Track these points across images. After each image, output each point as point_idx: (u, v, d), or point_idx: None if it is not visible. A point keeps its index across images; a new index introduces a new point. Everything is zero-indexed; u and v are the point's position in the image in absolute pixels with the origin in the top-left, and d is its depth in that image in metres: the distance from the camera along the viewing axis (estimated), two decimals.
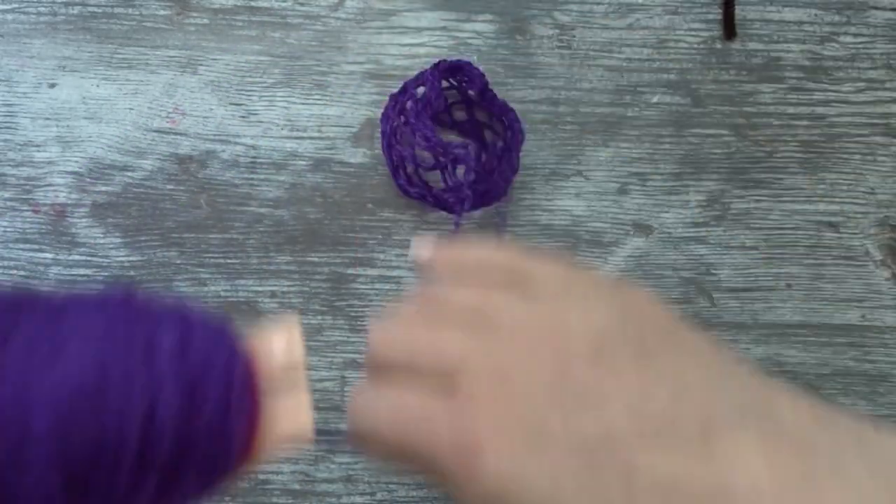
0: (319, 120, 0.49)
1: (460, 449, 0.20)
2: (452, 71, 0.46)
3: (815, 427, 0.20)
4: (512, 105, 0.47)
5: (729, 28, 0.50)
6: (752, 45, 0.50)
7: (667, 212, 0.49)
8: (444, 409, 0.21)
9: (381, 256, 0.48)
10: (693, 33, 0.50)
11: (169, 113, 0.48)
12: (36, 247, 0.47)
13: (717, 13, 0.50)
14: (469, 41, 0.50)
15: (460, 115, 0.49)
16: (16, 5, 0.49)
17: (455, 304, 0.23)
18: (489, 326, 0.22)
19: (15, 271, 0.47)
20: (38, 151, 0.48)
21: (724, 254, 0.48)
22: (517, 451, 0.20)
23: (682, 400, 0.20)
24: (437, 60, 0.47)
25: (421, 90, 0.46)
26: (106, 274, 0.47)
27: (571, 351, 0.21)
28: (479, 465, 0.20)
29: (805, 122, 0.50)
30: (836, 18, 0.51)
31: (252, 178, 0.48)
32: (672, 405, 0.20)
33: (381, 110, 0.47)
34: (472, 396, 0.21)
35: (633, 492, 0.19)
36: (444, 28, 0.50)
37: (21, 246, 0.47)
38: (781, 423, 0.20)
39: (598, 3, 0.50)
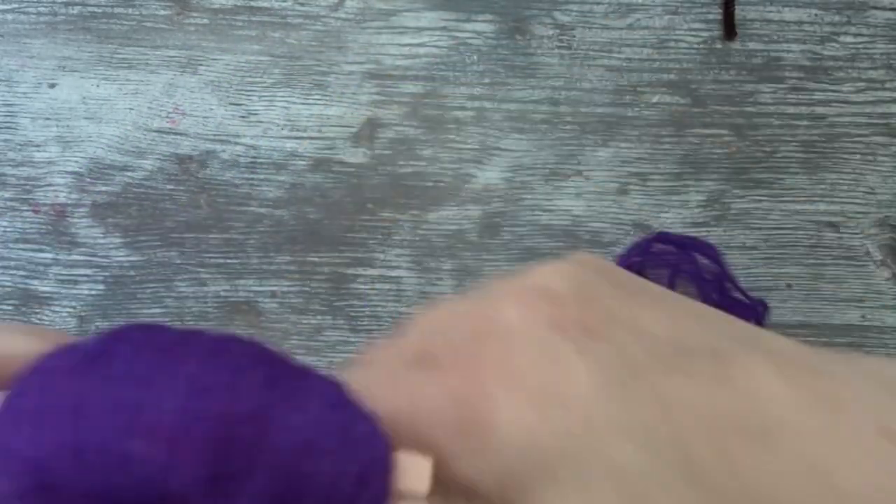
0: (319, 120, 0.49)
1: (467, 413, 0.18)
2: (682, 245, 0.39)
3: (809, 351, 0.19)
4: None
5: (729, 28, 0.50)
6: (752, 45, 0.50)
7: (667, 212, 0.49)
8: (435, 377, 0.19)
9: (381, 256, 0.48)
10: (693, 33, 0.50)
11: (169, 113, 0.48)
12: (36, 247, 0.47)
13: (717, 13, 0.50)
14: (469, 41, 0.50)
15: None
16: (16, 5, 0.49)
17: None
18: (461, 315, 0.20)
19: (15, 271, 0.47)
20: (38, 151, 0.48)
21: (724, 254, 0.48)
22: (535, 399, 0.18)
23: (682, 329, 0.20)
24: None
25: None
26: (106, 274, 0.47)
27: (560, 303, 0.20)
28: (493, 427, 0.18)
29: (805, 122, 0.50)
30: (836, 18, 0.50)
31: (252, 178, 0.48)
32: (676, 334, 0.19)
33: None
34: (465, 358, 0.19)
35: (672, 416, 0.18)
36: (444, 28, 0.50)
37: (21, 246, 0.47)
38: (781, 351, 0.19)
39: (598, 3, 0.50)
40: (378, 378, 0.20)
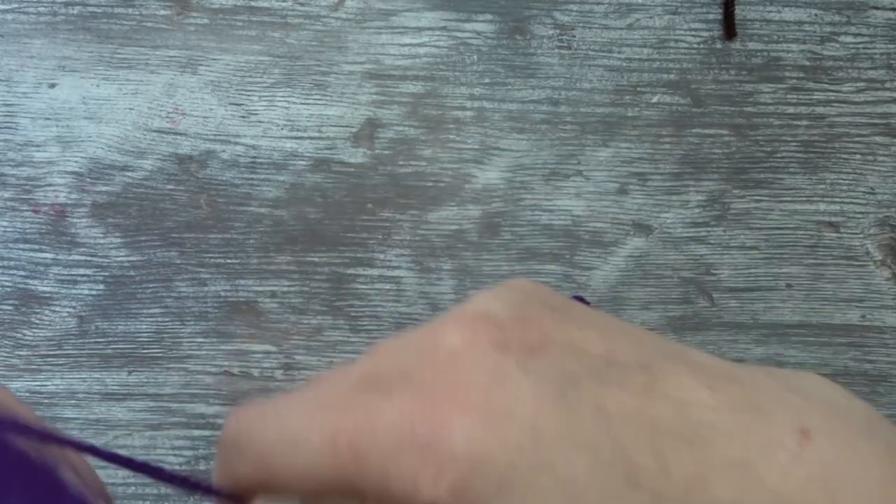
0: (319, 120, 0.49)
1: (422, 432, 0.18)
2: None
3: (728, 364, 0.21)
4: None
5: (729, 28, 0.50)
6: (752, 45, 0.50)
7: (667, 212, 0.49)
8: (388, 399, 0.19)
9: (381, 256, 0.48)
10: (693, 33, 0.50)
11: (169, 113, 0.48)
12: (36, 247, 0.47)
13: (717, 13, 0.50)
14: (469, 41, 0.50)
15: None
16: (16, 5, 0.49)
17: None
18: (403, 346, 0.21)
19: (15, 271, 0.47)
20: (38, 151, 0.48)
21: (724, 254, 0.48)
22: (485, 417, 0.19)
23: (613, 346, 0.21)
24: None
25: None
26: (106, 274, 0.47)
27: (500, 325, 0.21)
28: (449, 445, 0.18)
29: (805, 122, 0.50)
30: (836, 18, 0.51)
31: (252, 178, 0.48)
32: (608, 350, 0.21)
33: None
34: (416, 381, 0.20)
35: (611, 425, 0.19)
36: (444, 28, 0.50)
37: (21, 246, 0.47)
38: (702, 364, 0.21)
39: (598, 3, 0.50)
40: (328, 398, 0.20)
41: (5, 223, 0.47)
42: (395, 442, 0.19)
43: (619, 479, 0.18)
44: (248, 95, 0.49)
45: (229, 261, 0.47)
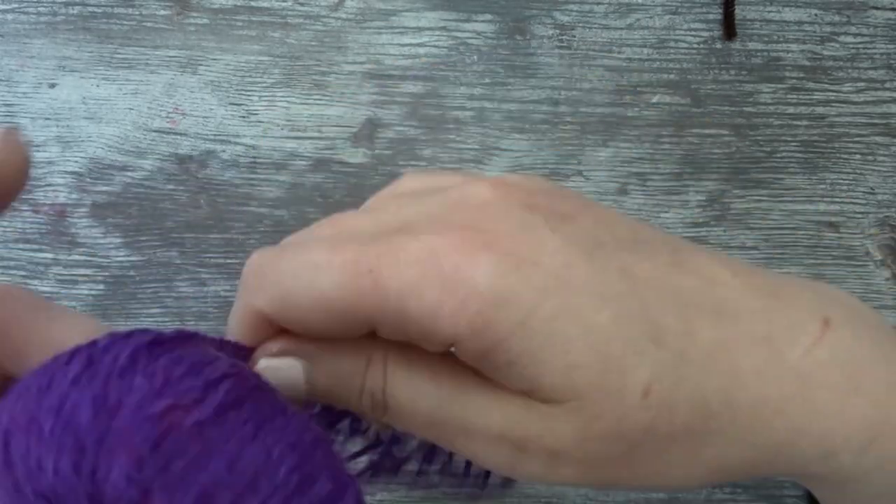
0: (319, 120, 0.49)
1: (448, 269, 0.18)
2: None
3: (751, 264, 0.22)
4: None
5: (729, 28, 0.50)
6: (752, 45, 0.50)
7: (667, 212, 0.49)
8: (416, 239, 0.19)
9: None
10: (693, 33, 0.50)
11: (169, 113, 0.48)
12: (36, 247, 0.47)
13: (717, 13, 0.50)
14: (469, 41, 0.50)
15: None
16: (16, 5, 0.49)
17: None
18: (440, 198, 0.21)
19: (15, 271, 0.47)
20: (38, 151, 0.48)
21: (724, 253, 0.48)
22: (511, 259, 0.18)
23: (639, 230, 0.21)
24: None
25: None
26: (106, 274, 0.47)
27: (532, 192, 0.21)
28: (473, 282, 0.18)
29: (805, 122, 0.50)
30: (836, 18, 0.50)
31: (252, 178, 0.48)
32: (632, 230, 0.21)
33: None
34: (442, 223, 0.19)
35: (637, 288, 0.19)
36: (444, 28, 0.50)
37: (21, 246, 0.47)
38: (723, 256, 0.22)
39: (598, 3, 0.50)
40: (350, 235, 0.20)
41: (5, 223, 0.47)
42: (418, 273, 0.18)
43: (643, 334, 0.18)
44: (248, 95, 0.49)
45: (229, 261, 0.47)
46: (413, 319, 0.18)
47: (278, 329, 0.20)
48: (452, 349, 0.19)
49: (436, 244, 0.18)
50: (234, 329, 0.20)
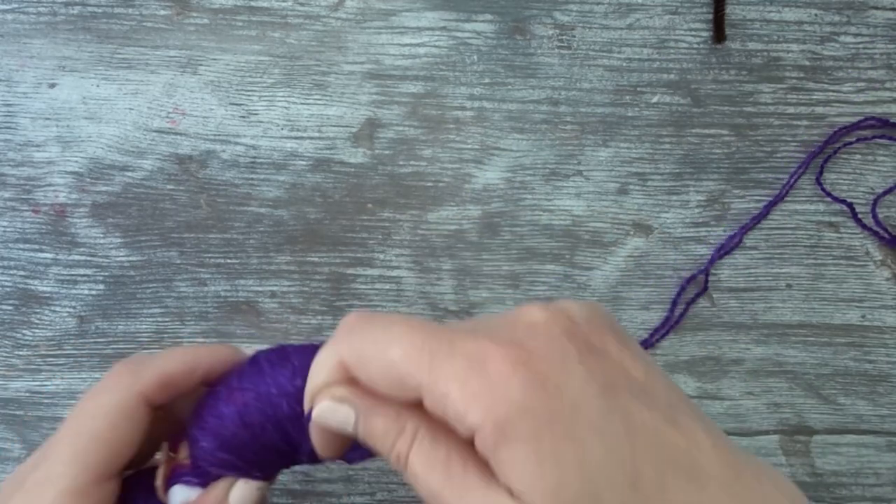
0: (319, 120, 0.49)
1: (491, 371, 0.23)
2: None
3: (731, 442, 0.25)
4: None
5: (719, 31, 0.50)
6: (752, 45, 0.50)
7: (667, 212, 0.49)
8: (475, 340, 0.24)
9: (381, 256, 0.48)
10: (693, 33, 0.50)
11: (169, 113, 0.48)
12: (36, 247, 0.47)
13: None
14: (469, 41, 0.50)
15: None
16: (16, 5, 0.49)
17: None
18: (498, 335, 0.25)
19: (15, 271, 0.47)
20: (38, 151, 0.48)
21: (725, 254, 0.48)
22: (539, 380, 0.23)
23: (652, 378, 0.25)
24: None
25: None
26: (106, 274, 0.47)
27: (575, 321, 0.25)
28: (505, 386, 0.22)
29: (805, 122, 0.50)
30: (836, 18, 0.50)
31: (252, 178, 0.48)
32: (647, 379, 0.25)
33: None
34: (498, 334, 0.24)
35: (631, 433, 0.23)
36: (444, 28, 0.50)
37: (21, 246, 0.47)
38: (717, 430, 0.25)
39: (598, 3, 0.50)
40: (428, 325, 0.25)
41: (5, 223, 0.47)
42: (467, 366, 0.23)
43: (625, 476, 0.22)
44: (248, 95, 0.49)
45: (229, 261, 0.47)
46: (452, 401, 0.23)
47: (349, 375, 0.26)
48: (474, 437, 0.23)
49: (487, 349, 0.23)
50: (318, 365, 0.26)
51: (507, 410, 0.22)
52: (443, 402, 0.23)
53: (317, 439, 0.28)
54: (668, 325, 0.47)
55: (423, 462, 0.24)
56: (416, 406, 0.24)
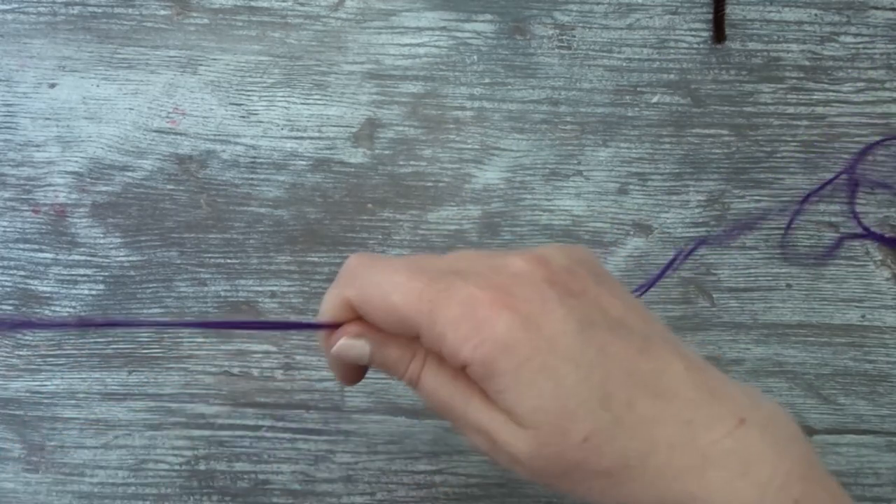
0: (319, 120, 0.49)
1: (480, 313, 0.25)
2: None
3: (706, 362, 0.28)
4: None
5: (719, 32, 0.50)
6: (752, 45, 0.50)
7: (667, 212, 0.49)
8: (463, 283, 0.26)
9: None
10: (693, 33, 0.50)
11: (169, 113, 0.48)
12: (36, 247, 0.47)
13: None
14: (469, 41, 0.50)
15: None
16: (16, 5, 0.49)
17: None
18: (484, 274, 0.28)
19: (15, 271, 0.47)
20: (38, 151, 0.48)
21: (724, 254, 0.48)
22: (523, 320, 0.25)
23: (629, 313, 0.28)
24: None
25: None
26: (106, 274, 0.47)
27: (554, 269, 0.28)
28: (493, 327, 0.25)
29: (805, 122, 0.50)
30: (836, 18, 0.51)
31: (252, 178, 0.48)
32: (623, 314, 0.27)
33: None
34: (484, 279, 0.27)
35: (604, 361, 0.26)
36: (444, 28, 0.50)
37: (21, 246, 0.47)
38: (687, 352, 0.28)
39: (598, 3, 0.50)
40: (424, 268, 0.27)
41: (5, 223, 0.47)
42: (460, 312, 0.26)
43: (596, 398, 0.26)
44: (248, 95, 0.49)
45: (229, 261, 0.47)
46: (447, 342, 0.26)
47: (356, 314, 0.28)
48: (466, 369, 0.26)
49: (476, 295, 0.26)
50: (326, 306, 0.29)
51: (492, 349, 0.25)
52: (439, 341, 0.26)
53: (336, 371, 0.31)
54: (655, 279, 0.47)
55: (433, 379, 0.28)
56: (417, 339, 0.27)
